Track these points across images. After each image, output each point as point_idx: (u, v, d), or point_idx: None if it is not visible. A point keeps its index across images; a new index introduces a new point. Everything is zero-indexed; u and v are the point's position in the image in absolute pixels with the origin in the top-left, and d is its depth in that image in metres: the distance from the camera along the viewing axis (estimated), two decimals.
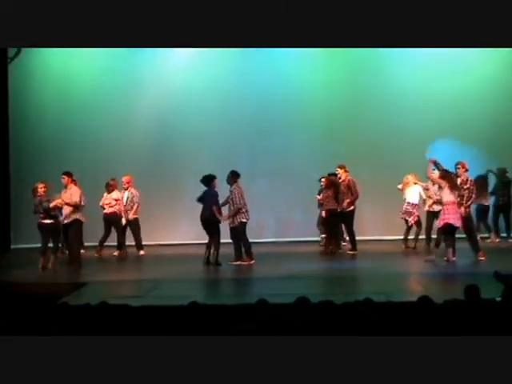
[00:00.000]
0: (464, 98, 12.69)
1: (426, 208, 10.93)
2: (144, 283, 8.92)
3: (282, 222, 12.83)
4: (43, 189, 9.79)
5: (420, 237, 11.35)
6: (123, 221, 11.62)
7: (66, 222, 10.01)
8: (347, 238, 11.56)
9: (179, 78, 13.09)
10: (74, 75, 13.02)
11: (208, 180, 10.08)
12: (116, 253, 11.57)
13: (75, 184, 10.38)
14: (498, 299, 5.48)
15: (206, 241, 10.18)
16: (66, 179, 10.15)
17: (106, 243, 11.67)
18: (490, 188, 12.09)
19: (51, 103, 13.01)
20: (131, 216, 11.59)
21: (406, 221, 11.35)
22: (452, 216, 9.16)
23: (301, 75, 13.01)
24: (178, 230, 12.72)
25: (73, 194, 10.06)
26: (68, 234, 10.08)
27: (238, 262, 9.99)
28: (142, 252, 11.75)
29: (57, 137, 12.99)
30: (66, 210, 9.97)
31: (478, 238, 10.55)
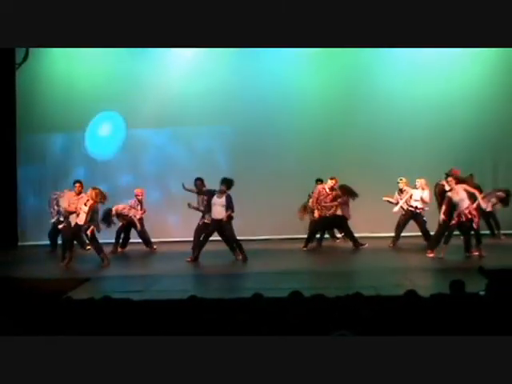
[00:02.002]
0: (457, 100, 12.82)
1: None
2: (146, 278, 9.10)
3: (278, 220, 13.00)
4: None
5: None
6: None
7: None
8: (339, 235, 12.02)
9: (182, 80, 13.18)
10: (78, 80, 13.17)
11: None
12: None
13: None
14: (482, 293, 5.72)
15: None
16: (78, 187, 10.31)
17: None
18: None
19: (57, 106, 13.19)
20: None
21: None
22: None
23: (297, 78, 13.11)
24: (178, 227, 12.90)
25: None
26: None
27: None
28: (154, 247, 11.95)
29: (62, 138, 13.19)
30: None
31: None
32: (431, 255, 9.99)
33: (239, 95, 12.99)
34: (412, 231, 11.66)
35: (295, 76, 13.16)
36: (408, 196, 11.32)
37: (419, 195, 11.26)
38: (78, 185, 10.39)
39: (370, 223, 12.35)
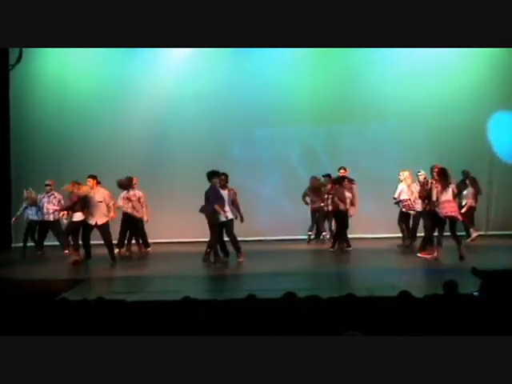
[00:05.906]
0: (454, 101, 12.94)
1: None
2: (139, 279, 9.12)
3: (273, 221, 13.03)
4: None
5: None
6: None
7: (99, 223, 10.18)
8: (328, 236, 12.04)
9: (175, 81, 13.27)
10: (72, 80, 13.25)
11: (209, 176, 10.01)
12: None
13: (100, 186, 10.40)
14: (475, 293, 5.73)
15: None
16: (91, 182, 10.21)
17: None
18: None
19: (50, 107, 13.25)
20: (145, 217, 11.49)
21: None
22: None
23: (292, 79, 13.21)
24: (172, 228, 12.89)
25: (105, 195, 10.19)
26: (103, 234, 10.27)
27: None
28: (148, 249, 11.76)
29: (55, 139, 13.21)
30: (100, 211, 10.11)
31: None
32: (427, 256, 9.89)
33: (231, 95, 13.06)
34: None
35: (290, 77, 13.22)
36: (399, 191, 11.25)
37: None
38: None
39: (363, 224, 12.42)
